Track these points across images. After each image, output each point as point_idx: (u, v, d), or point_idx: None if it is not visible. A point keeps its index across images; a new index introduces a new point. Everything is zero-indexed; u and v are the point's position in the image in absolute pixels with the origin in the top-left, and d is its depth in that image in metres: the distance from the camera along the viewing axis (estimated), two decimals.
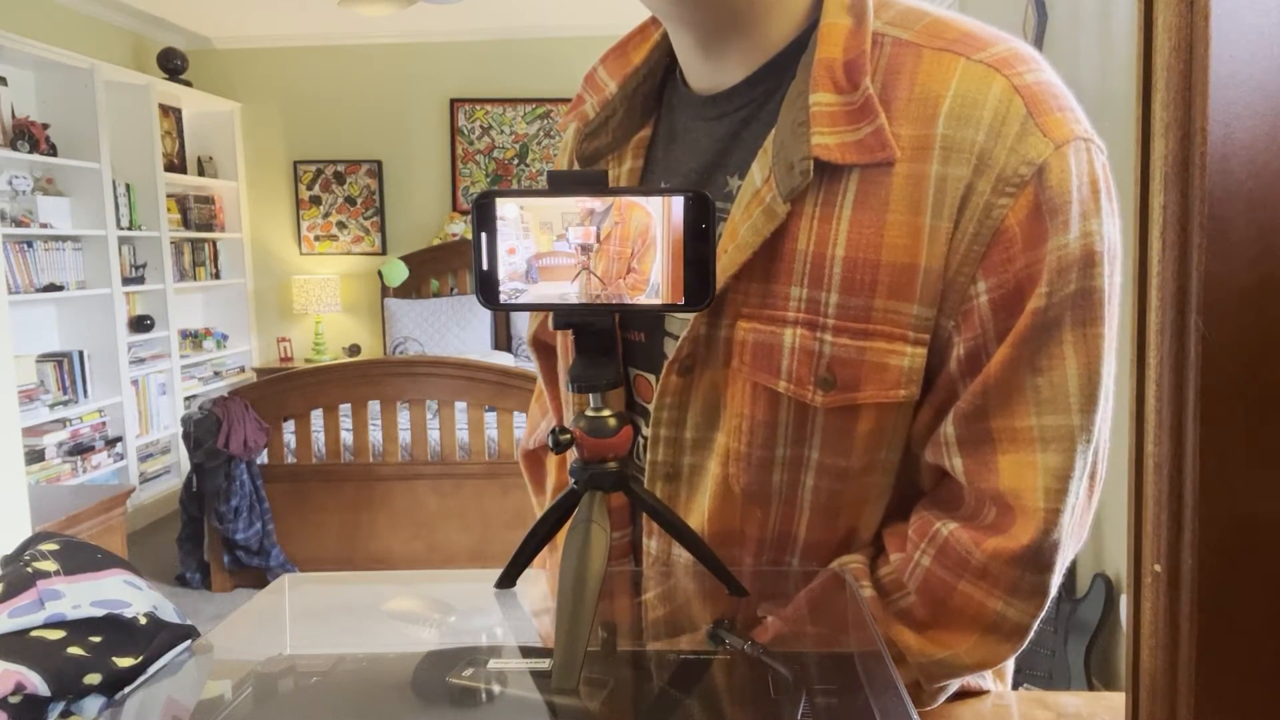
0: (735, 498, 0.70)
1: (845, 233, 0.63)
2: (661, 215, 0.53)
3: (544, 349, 0.93)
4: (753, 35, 0.68)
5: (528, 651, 0.62)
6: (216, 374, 5.67)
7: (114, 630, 0.59)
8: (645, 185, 0.77)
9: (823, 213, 0.64)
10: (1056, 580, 0.65)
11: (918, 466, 0.70)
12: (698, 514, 0.72)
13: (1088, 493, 0.65)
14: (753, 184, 0.66)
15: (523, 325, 5.29)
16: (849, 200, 0.63)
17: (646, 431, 0.74)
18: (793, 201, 0.63)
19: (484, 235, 0.55)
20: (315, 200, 5.91)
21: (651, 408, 0.72)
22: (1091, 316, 0.61)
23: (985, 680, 0.78)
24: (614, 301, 0.54)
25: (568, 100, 6.27)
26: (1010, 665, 0.82)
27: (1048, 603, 0.65)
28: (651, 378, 0.74)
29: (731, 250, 0.65)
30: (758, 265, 0.65)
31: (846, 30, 0.63)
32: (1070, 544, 0.65)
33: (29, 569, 0.61)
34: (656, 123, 0.77)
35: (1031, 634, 0.67)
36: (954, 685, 0.71)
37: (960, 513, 0.66)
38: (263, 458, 3.87)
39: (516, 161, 5.86)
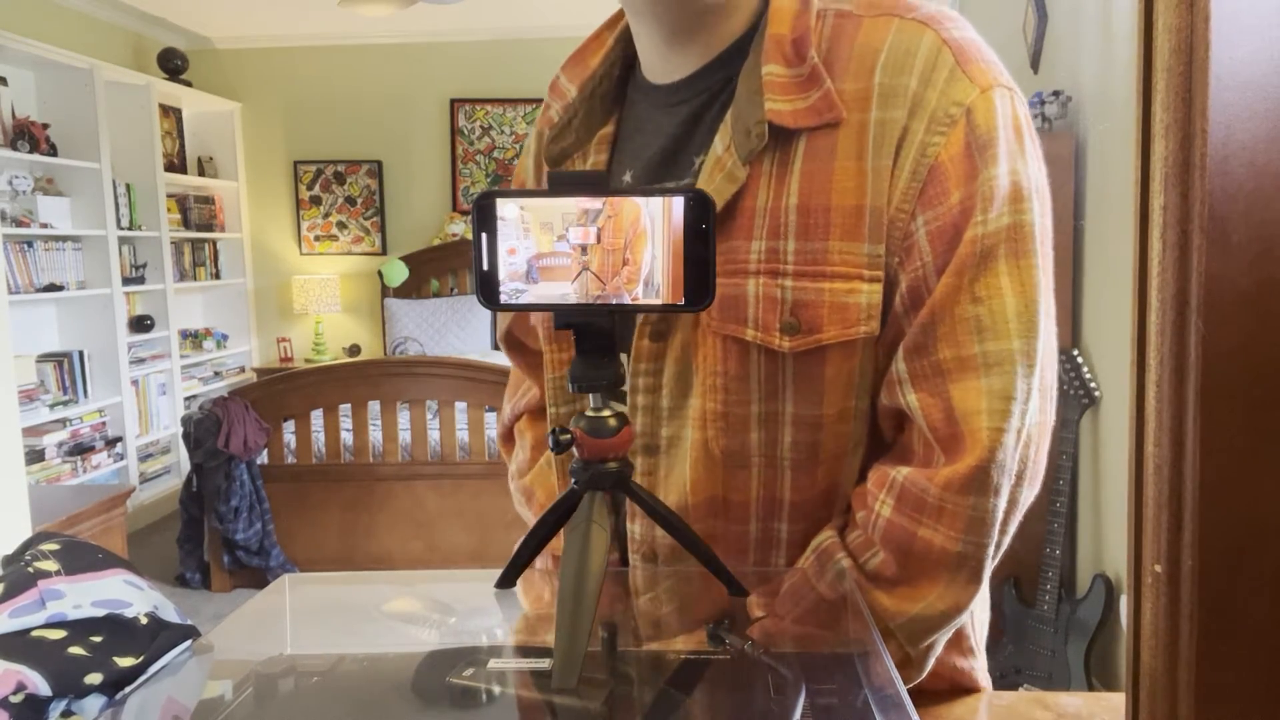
0: (716, 463, 0.72)
1: (798, 184, 0.68)
2: (661, 215, 0.53)
3: (517, 346, 0.93)
4: (716, 29, 0.73)
5: (528, 651, 0.62)
6: (216, 374, 5.67)
7: (115, 630, 0.59)
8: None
9: (778, 172, 0.69)
10: (1002, 507, 0.66)
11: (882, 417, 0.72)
12: (678, 487, 0.73)
13: (1040, 429, 0.68)
14: (715, 153, 0.71)
15: None
16: (800, 156, 0.68)
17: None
18: (751, 164, 0.69)
19: (484, 235, 0.55)
20: (315, 200, 5.91)
21: (627, 377, 0.74)
22: (1024, 249, 0.66)
23: (975, 670, 0.78)
24: (613, 301, 0.54)
25: None
26: (982, 659, 0.82)
27: (994, 532, 0.67)
28: (625, 357, 0.75)
29: None
30: (720, 226, 0.69)
31: (794, 11, 0.69)
32: (1016, 474, 0.66)
33: (30, 569, 0.61)
34: (619, 119, 0.81)
35: (988, 572, 0.68)
36: (940, 645, 0.71)
37: (914, 461, 0.69)
38: (263, 458, 3.87)
39: (516, 161, 5.85)
